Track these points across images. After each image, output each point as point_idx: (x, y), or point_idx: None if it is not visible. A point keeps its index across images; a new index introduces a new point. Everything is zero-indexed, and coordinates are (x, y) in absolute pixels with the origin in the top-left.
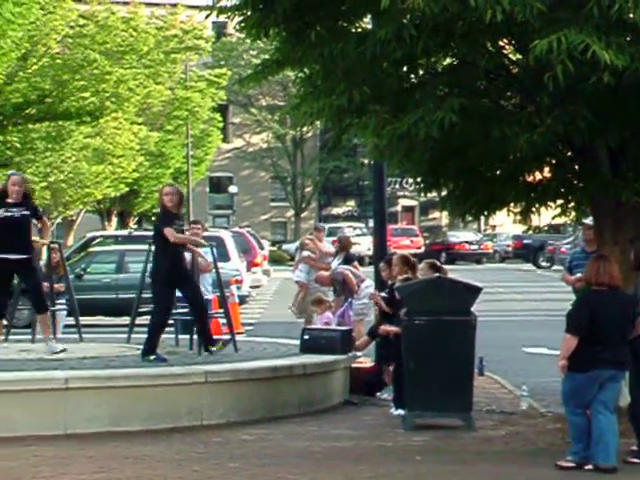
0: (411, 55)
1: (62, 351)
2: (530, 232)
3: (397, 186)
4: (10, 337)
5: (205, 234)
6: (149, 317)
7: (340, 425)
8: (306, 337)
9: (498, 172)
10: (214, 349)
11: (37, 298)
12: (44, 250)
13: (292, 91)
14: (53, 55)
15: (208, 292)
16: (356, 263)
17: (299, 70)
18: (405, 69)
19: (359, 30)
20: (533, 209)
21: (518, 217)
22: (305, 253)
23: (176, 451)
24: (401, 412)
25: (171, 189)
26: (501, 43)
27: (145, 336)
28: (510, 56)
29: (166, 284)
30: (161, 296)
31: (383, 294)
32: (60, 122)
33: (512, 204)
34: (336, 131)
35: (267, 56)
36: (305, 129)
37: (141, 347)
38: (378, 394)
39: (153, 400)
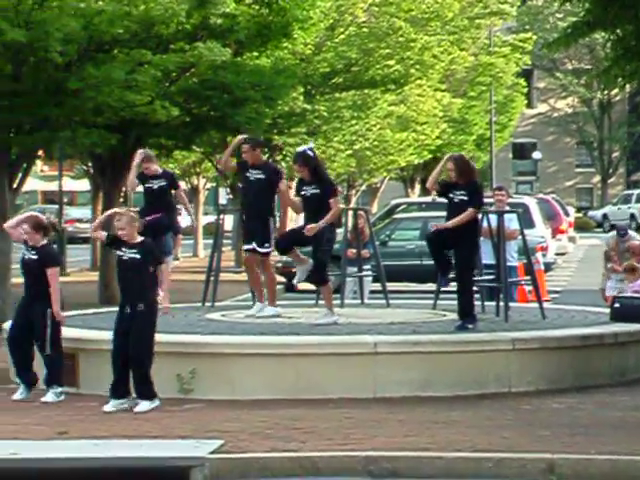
0: None
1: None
2: None
3: None
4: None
5: (510, 201)
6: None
7: None
8: (617, 305)
9: None
10: None
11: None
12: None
13: (600, 54)
14: (359, 24)
15: (513, 259)
16: None
17: (611, 32)
18: None
19: None
20: None
21: None
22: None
23: (484, 417)
24: None
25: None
26: None
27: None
28: None
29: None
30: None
31: None
32: (365, 90)
33: None
34: None
35: (576, 18)
36: (613, 92)
37: (452, 314)
38: None
39: (460, 366)
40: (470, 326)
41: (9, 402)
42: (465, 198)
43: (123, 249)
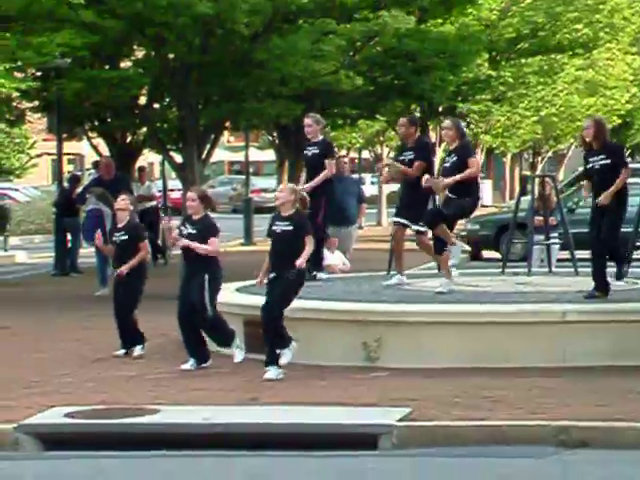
0: None
1: (441, 293)
2: None
3: None
4: (507, 270)
5: None
6: None
7: None
8: None
9: None
10: None
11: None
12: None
13: None
14: None
15: None
16: None
17: None
18: None
19: None
20: None
21: None
22: None
23: None
24: None
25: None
26: None
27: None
28: None
29: None
30: None
31: None
32: (552, 55)
33: None
34: None
35: None
36: None
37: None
38: None
39: None
40: (597, 294)
41: (200, 369)
42: (607, 162)
43: (277, 222)
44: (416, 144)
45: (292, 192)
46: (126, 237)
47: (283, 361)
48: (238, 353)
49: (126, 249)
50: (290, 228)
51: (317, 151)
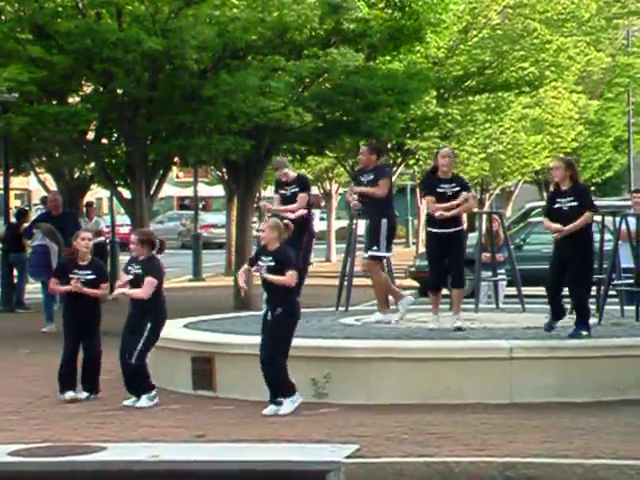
0: None
1: (458, 330)
2: None
3: None
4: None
5: None
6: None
7: None
8: None
9: None
10: None
11: (458, 273)
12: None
13: None
14: (493, 26)
15: None
16: None
17: None
18: None
19: None
20: None
21: None
22: None
23: (626, 424)
24: None
25: None
26: None
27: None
28: None
29: None
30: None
31: None
32: (499, 93)
33: None
34: None
35: None
36: None
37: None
38: None
39: (599, 371)
40: (584, 333)
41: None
42: (575, 204)
43: (262, 258)
44: (377, 168)
45: (275, 228)
46: (94, 276)
47: (284, 411)
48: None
49: (92, 287)
50: (273, 264)
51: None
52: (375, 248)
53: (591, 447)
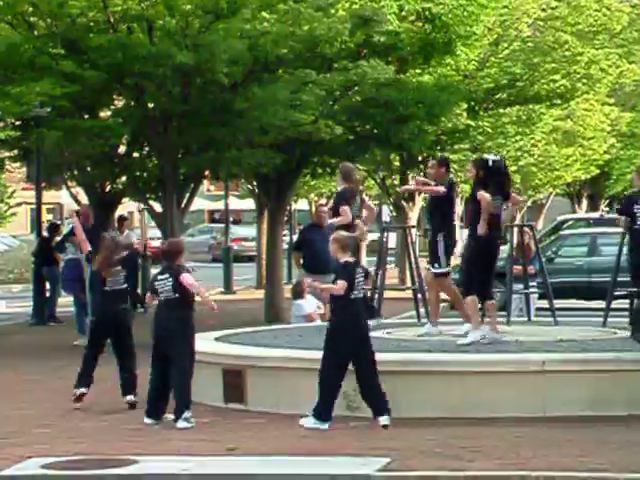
0: None
1: (470, 344)
2: None
3: None
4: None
5: None
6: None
7: None
8: None
9: None
10: None
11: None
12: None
13: None
14: (524, 38)
15: None
16: None
17: None
18: None
19: None
20: None
21: None
22: None
23: None
24: None
25: None
26: None
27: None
28: None
29: None
30: None
31: None
32: (530, 105)
33: None
34: None
35: None
36: None
37: (622, 331)
38: None
39: (632, 385)
40: None
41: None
42: None
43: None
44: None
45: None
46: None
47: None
48: None
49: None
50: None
51: None
52: (436, 265)
53: (626, 461)
